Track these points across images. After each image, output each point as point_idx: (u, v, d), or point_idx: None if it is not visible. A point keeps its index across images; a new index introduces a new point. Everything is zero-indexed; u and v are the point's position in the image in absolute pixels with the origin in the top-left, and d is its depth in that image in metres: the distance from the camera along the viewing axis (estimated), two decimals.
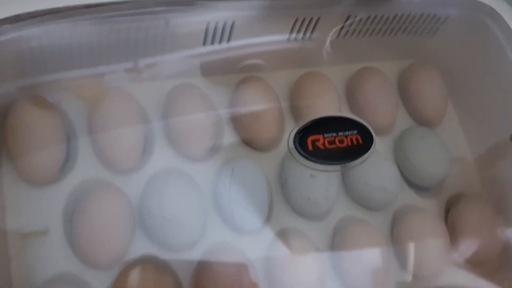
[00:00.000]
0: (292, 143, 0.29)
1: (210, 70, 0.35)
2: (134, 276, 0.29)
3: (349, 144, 0.30)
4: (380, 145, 0.37)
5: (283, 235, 0.33)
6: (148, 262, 0.30)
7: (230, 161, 0.33)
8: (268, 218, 0.33)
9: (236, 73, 0.36)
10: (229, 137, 0.35)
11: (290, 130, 0.30)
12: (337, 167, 0.30)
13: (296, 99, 0.36)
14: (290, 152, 0.29)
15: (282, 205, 0.34)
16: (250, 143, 0.35)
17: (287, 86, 0.37)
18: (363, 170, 0.34)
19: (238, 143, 0.35)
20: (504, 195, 0.37)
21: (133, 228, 0.30)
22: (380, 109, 0.36)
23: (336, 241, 0.34)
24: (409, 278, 0.35)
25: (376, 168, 0.35)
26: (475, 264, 0.36)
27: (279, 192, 0.35)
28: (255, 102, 0.35)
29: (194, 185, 0.32)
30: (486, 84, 0.39)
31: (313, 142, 0.29)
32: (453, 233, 0.35)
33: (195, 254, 0.31)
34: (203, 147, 0.33)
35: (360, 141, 0.30)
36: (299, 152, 0.29)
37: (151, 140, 0.33)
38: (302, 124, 0.30)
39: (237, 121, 0.35)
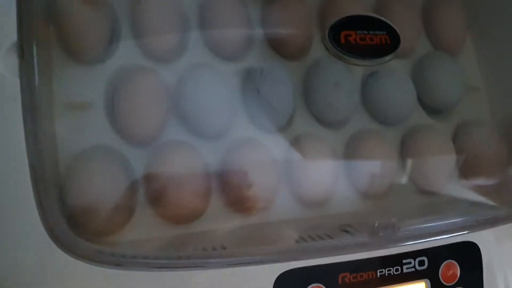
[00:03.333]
0: (326, 36, 0.31)
1: None
2: (169, 153, 0.32)
3: (378, 42, 0.32)
4: (401, 67, 0.39)
5: (303, 138, 0.36)
6: (181, 144, 0.33)
7: (260, 62, 0.36)
8: (290, 120, 0.36)
9: None
10: (261, 43, 0.37)
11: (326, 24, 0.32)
12: (367, 62, 0.32)
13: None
14: (325, 46, 0.31)
15: (304, 111, 0.37)
16: (280, 52, 0.37)
17: None
18: (381, 84, 0.37)
19: (269, 50, 0.37)
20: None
21: (168, 112, 0.33)
22: (404, 30, 0.38)
23: (350, 149, 0.37)
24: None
25: (395, 85, 0.37)
26: (478, 186, 0.39)
27: (302, 98, 0.37)
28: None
29: (226, 80, 0.34)
30: (505, 20, 0.41)
31: (346, 36, 0.31)
32: (459, 153, 0.38)
33: (223, 143, 0.34)
34: (236, 47, 0.35)
35: (388, 41, 0.32)
36: (332, 45, 0.31)
37: (188, 37, 0.35)
38: (337, 19, 0.31)
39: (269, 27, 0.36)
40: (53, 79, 0.31)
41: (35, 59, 0.25)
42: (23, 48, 0.25)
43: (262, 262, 0.26)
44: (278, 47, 0.37)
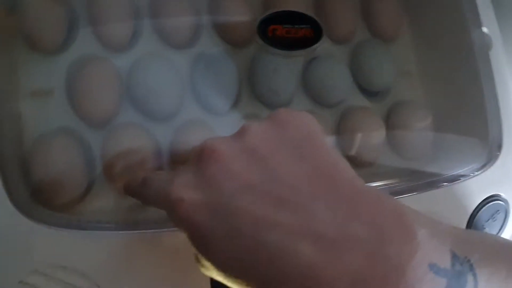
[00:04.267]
0: (256, 29, 0.35)
1: None
2: (122, 133, 0.36)
3: (302, 35, 0.36)
4: (338, 52, 0.44)
5: (246, 119, 0.40)
6: (133, 125, 0.37)
7: (208, 49, 0.39)
8: (236, 104, 0.40)
9: None
10: (208, 31, 0.41)
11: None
12: (293, 53, 0.36)
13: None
14: (255, 39, 0.35)
15: (248, 95, 0.41)
16: (228, 39, 0.41)
17: None
18: (319, 70, 0.41)
19: (216, 37, 0.41)
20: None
21: (121, 97, 0.36)
22: (342, 19, 0.42)
23: None
24: None
25: (331, 69, 0.42)
26: (407, 158, 0.43)
27: (248, 83, 0.41)
28: None
29: (175, 67, 0.38)
30: (437, 9, 0.45)
31: (273, 30, 0.35)
32: (390, 130, 0.43)
33: (172, 125, 0.38)
34: (185, 36, 0.39)
35: (312, 34, 0.36)
36: (261, 38, 0.35)
37: (141, 27, 0.39)
38: (266, 14, 0.35)
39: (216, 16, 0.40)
40: (18, 68, 0.35)
41: None
42: None
43: None
44: (224, 35, 0.40)
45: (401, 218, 0.20)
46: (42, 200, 0.31)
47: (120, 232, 0.30)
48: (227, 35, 0.40)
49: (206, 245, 0.21)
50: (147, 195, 0.26)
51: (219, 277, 0.22)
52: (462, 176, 0.42)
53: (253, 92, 0.41)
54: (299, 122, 0.23)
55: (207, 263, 0.22)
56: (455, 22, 0.45)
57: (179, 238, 0.31)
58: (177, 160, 0.37)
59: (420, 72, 0.46)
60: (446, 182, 0.41)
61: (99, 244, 0.30)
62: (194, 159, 0.23)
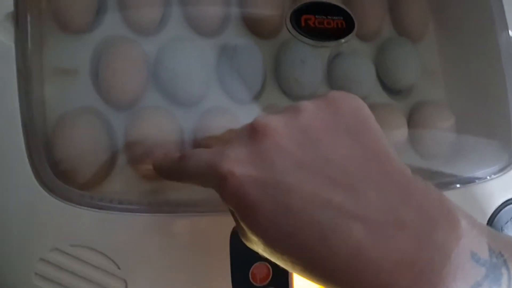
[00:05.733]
0: (288, 19, 0.35)
1: None
2: (147, 116, 0.36)
3: (335, 26, 0.36)
4: (364, 49, 0.43)
5: (270, 108, 0.40)
6: (158, 109, 0.36)
7: (235, 39, 0.39)
8: (260, 93, 0.40)
9: None
10: (236, 21, 0.40)
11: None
12: (325, 43, 0.36)
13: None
14: (286, 27, 0.35)
15: (273, 85, 0.41)
16: (254, 30, 0.40)
17: None
18: (344, 64, 0.41)
19: (243, 28, 0.40)
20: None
21: (147, 80, 0.36)
22: (370, 16, 0.42)
23: None
24: None
25: (357, 65, 0.41)
26: (427, 157, 0.43)
27: (273, 74, 0.41)
28: None
29: (202, 54, 0.38)
30: (464, 10, 0.45)
31: (306, 20, 0.35)
32: (412, 128, 0.42)
33: (197, 111, 0.37)
34: (213, 24, 0.39)
35: (344, 26, 0.36)
36: (294, 28, 0.35)
37: (170, 12, 0.38)
38: (298, 5, 0.35)
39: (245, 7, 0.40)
40: (44, 47, 0.34)
41: (28, 27, 0.29)
42: (18, 17, 0.29)
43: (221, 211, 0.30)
44: (252, 26, 0.40)
45: (447, 206, 0.20)
46: (64, 178, 0.31)
47: (142, 214, 0.30)
48: (255, 25, 0.40)
49: (255, 220, 0.21)
50: (188, 170, 0.25)
51: (265, 253, 0.22)
52: (483, 177, 0.41)
53: (277, 82, 0.40)
54: (353, 105, 0.23)
55: (253, 238, 0.22)
56: (482, 23, 0.44)
57: (200, 222, 0.31)
58: (200, 145, 0.36)
59: (444, 72, 0.46)
60: (466, 183, 0.41)
61: (121, 225, 0.30)
62: (245, 134, 0.23)
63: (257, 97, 0.40)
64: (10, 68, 0.28)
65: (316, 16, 0.36)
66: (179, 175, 0.27)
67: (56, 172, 0.30)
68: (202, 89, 0.37)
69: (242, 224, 0.22)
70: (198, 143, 0.36)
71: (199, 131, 0.37)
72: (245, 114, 0.39)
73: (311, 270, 0.20)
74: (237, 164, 0.22)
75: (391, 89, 0.44)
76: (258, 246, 0.22)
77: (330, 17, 0.36)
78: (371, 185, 0.21)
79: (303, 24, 0.35)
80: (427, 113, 0.43)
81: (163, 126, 0.36)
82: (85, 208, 0.29)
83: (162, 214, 0.30)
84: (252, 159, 0.22)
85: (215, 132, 0.37)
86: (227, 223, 0.30)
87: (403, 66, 0.43)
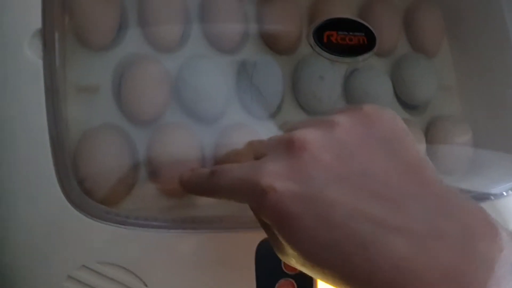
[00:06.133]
0: (311, 35, 0.35)
1: None
2: (169, 133, 0.36)
3: (357, 42, 0.36)
4: (380, 64, 0.44)
5: (288, 124, 0.40)
6: (179, 125, 0.36)
7: (254, 56, 0.39)
8: (279, 109, 0.40)
9: None
10: (255, 38, 0.41)
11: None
12: (346, 59, 0.36)
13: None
14: (309, 43, 0.35)
15: (290, 101, 0.41)
16: (273, 47, 0.41)
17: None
18: (361, 80, 0.41)
19: (262, 45, 0.41)
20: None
21: (169, 97, 0.36)
22: (386, 32, 0.42)
23: None
24: None
25: (373, 81, 0.41)
26: (445, 172, 0.43)
27: (291, 89, 0.41)
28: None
29: (223, 70, 0.38)
30: (479, 26, 0.45)
31: (328, 36, 0.35)
32: (429, 143, 0.42)
33: (217, 127, 0.37)
34: (232, 41, 0.39)
35: (366, 42, 0.36)
36: (316, 44, 0.35)
37: (189, 30, 0.39)
38: (321, 21, 0.35)
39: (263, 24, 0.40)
40: (66, 63, 0.35)
41: (56, 44, 0.29)
42: (45, 35, 0.29)
43: (245, 228, 0.30)
44: (271, 43, 0.40)
45: (486, 217, 0.20)
46: (89, 194, 0.31)
47: (168, 231, 0.30)
48: (273, 41, 0.40)
49: (296, 234, 0.21)
50: (220, 186, 0.25)
51: (303, 267, 0.22)
52: (499, 193, 0.41)
53: (295, 98, 0.41)
54: (387, 118, 0.23)
55: (291, 252, 0.22)
56: (497, 37, 0.45)
57: (225, 238, 0.31)
58: (221, 161, 0.36)
59: (460, 87, 0.46)
60: (482, 199, 0.41)
61: (147, 242, 0.30)
62: (281, 148, 0.23)
63: (276, 113, 0.40)
64: (38, 84, 0.28)
65: (338, 32, 0.36)
66: (210, 191, 0.27)
67: (82, 189, 0.30)
68: (222, 106, 0.37)
69: (281, 239, 0.22)
70: (222, 158, 0.36)
71: (220, 146, 0.37)
72: (265, 129, 0.39)
73: (352, 283, 0.20)
74: (277, 178, 0.22)
75: (408, 105, 0.44)
76: (296, 261, 0.22)
77: (352, 33, 0.36)
78: (410, 197, 0.21)
79: (325, 40, 0.36)
80: (444, 128, 0.43)
81: (184, 142, 0.36)
82: (112, 224, 0.29)
83: (189, 231, 0.30)
84: (291, 173, 0.22)
85: (236, 147, 0.37)
86: (253, 239, 0.30)
87: (419, 81, 0.43)
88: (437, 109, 0.45)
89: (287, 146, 0.23)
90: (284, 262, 0.30)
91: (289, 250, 0.22)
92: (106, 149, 0.33)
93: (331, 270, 0.20)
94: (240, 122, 0.38)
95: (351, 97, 0.41)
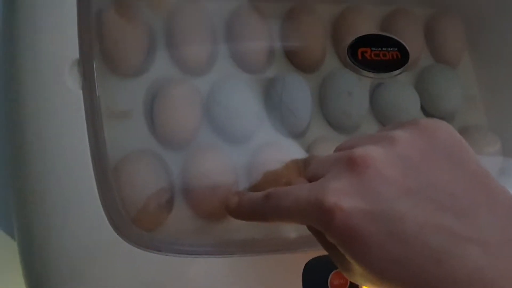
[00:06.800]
0: (346, 53, 0.35)
1: None
2: (203, 156, 0.35)
3: (390, 58, 0.36)
4: (405, 78, 0.44)
5: (318, 142, 0.40)
6: (212, 147, 0.36)
7: (280, 74, 0.39)
8: (308, 126, 0.40)
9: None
10: (280, 56, 0.41)
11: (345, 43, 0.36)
12: (381, 75, 0.37)
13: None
14: (348, 60, 0.35)
15: (319, 118, 0.41)
16: (298, 64, 0.41)
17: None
18: (388, 94, 0.41)
19: (287, 63, 0.41)
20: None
21: (201, 119, 0.36)
22: (411, 45, 0.42)
23: None
24: None
25: (400, 94, 0.41)
26: None
27: (318, 106, 0.41)
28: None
29: (252, 90, 0.38)
30: (499, 36, 0.46)
31: (362, 53, 0.36)
32: None
33: (249, 147, 0.37)
34: (259, 61, 0.39)
35: (399, 56, 0.36)
36: (351, 61, 0.35)
37: (217, 52, 0.39)
38: (354, 39, 0.36)
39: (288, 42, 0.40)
40: (98, 90, 0.35)
41: (95, 74, 0.29)
42: (84, 65, 0.29)
43: (291, 250, 0.30)
44: (296, 60, 0.41)
45: None
46: (132, 222, 0.30)
47: (213, 256, 0.29)
48: (298, 59, 0.41)
49: (366, 252, 0.21)
50: (279, 209, 0.25)
51: (371, 283, 0.22)
52: None
53: (323, 115, 0.41)
54: (445, 131, 0.24)
55: (360, 270, 0.22)
56: None
57: (273, 261, 0.30)
58: (256, 181, 0.36)
59: (484, 97, 0.46)
60: None
61: (191, 268, 0.29)
62: (343, 166, 0.23)
63: (305, 130, 0.40)
64: (79, 115, 0.28)
65: (372, 49, 0.36)
66: (266, 215, 0.26)
67: (126, 216, 0.29)
68: (254, 124, 0.37)
69: (349, 257, 0.22)
70: (253, 180, 0.36)
71: (254, 166, 0.37)
72: (296, 147, 0.39)
73: None
74: (342, 196, 0.22)
75: (434, 116, 0.44)
76: (365, 279, 0.22)
77: (385, 49, 0.36)
78: (479, 207, 0.21)
79: (360, 57, 0.36)
80: (471, 138, 0.43)
81: (218, 164, 0.36)
82: (156, 252, 0.29)
83: (235, 256, 0.29)
84: (357, 191, 0.22)
85: (270, 167, 0.37)
86: (299, 260, 0.30)
87: (445, 93, 0.43)
88: (463, 119, 0.45)
89: (348, 164, 0.23)
90: (330, 280, 0.30)
91: (357, 268, 0.22)
92: (144, 176, 0.33)
93: (404, 285, 0.20)
94: (272, 140, 0.38)
95: (379, 111, 0.41)
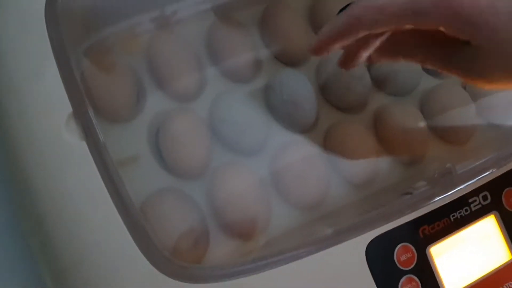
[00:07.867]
0: None
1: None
2: (223, 177, 0.34)
3: None
4: None
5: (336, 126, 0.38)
6: (231, 165, 0.35)
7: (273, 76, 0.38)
8: (318, 115, 0.39)
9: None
10: (268, 61, 0.40)
11: None
12: None
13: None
14: None
15: (324, 105, 0.40)
16: (287, 61, 0.40)
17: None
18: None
19: (277, 63, 0.40)
20: None
21: (210, 141, 0.35)
22: None
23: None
24: None
25: None
26: None
27: (319, 95, 0.40)
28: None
29: (252, 99, 0.37)
30: None
31: None
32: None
33: (267, 152, 0.36)
34: (249, 70, 0.38)
35: None
36: None
37: (205, 73, 0.38)
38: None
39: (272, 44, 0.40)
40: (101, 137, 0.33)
41: (94, 122, 0.27)
42: (80, 117, 0.27)
43: (350, 236, 0.28)
44: (284, 58, 0.40)
45: None
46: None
47: (273, 267, 0.27)
48: (286, 56, 0.40)
49: (496, 30, 0.22)
50: (385, 11, 0.24)
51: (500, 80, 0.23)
52: None
53: (328, 100, 0.40)
54: None
55: (487, 62, 0.23)
56: None
57: (332, 253, 0.28)
58: (286, 184, 0.35)
59: None
60: None
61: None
62: None
63: (316, 121, 0.38)
64: (89, 165, 0.26)
65: None
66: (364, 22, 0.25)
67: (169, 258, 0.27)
68: (264, 132, 0.36)
69: (481, 40, 0.22)
70: (282, 184, 0.34)
71: (278, 170, 0.35)
72: (311, 140, 0.37)
73: None
74: None
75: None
76: (492, 71, 0.23)
77: None
78: None
79: None
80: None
81: (242, 179, 0.34)
82: (204, 284, 0.26)
83: (283, 266, 0.27)
84: None
85: (294, 167, 0.35)
86: (359, 244, 0.28)
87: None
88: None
89: None
90: (397, 255, 0.28)
91: (487, 60, 0.23)
92: (174, 215, 0.31)
93: None
94: (287, 140, 0.37)
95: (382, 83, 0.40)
